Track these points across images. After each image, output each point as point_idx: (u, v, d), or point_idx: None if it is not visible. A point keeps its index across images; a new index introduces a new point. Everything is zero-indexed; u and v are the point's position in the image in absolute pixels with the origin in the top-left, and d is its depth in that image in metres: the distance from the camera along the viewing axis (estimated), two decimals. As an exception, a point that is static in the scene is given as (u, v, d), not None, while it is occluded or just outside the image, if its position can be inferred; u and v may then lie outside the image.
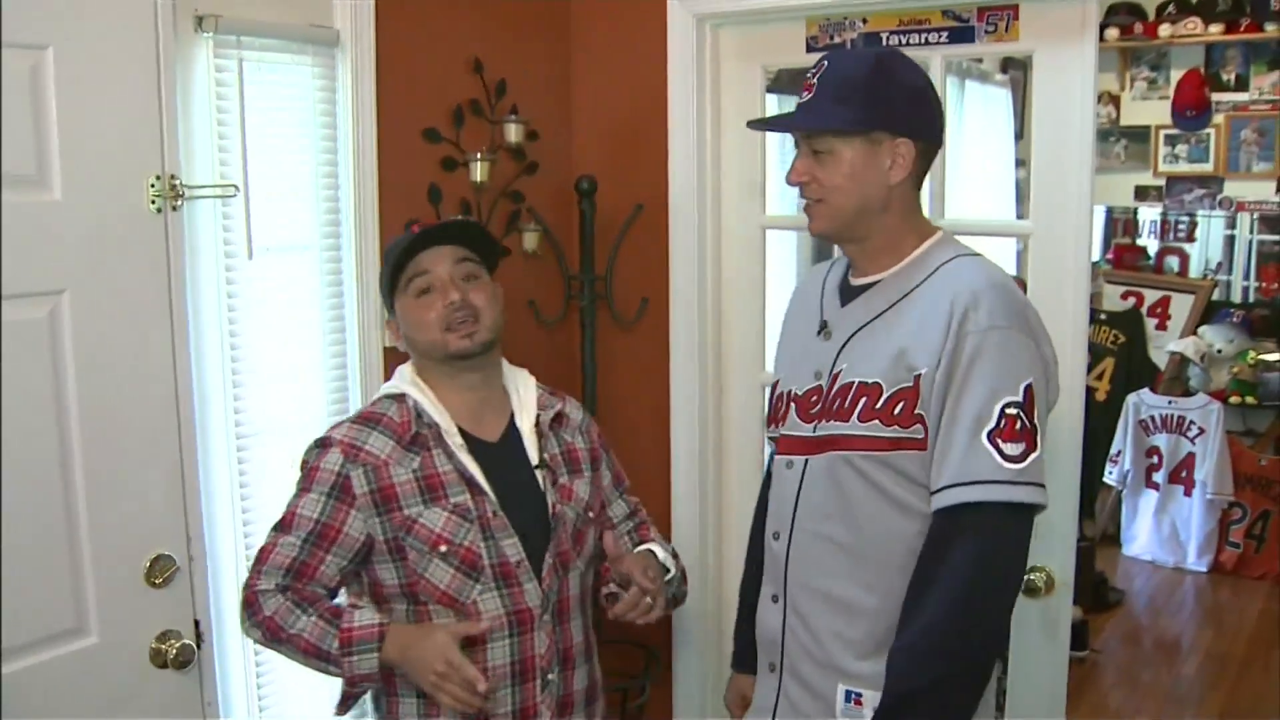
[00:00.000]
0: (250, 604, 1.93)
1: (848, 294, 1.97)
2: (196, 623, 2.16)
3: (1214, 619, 5.09)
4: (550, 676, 2.03)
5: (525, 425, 2.10)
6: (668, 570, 2.13)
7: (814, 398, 1.95)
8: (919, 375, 1.79)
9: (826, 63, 1.89)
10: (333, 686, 2.51)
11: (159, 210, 2.05)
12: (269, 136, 2.32)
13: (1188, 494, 5.41)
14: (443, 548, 1.94)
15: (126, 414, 2.05)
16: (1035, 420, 1.76)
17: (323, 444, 2.00)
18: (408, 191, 2.61)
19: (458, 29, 2.73)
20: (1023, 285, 2.19)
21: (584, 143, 3.06)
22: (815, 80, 1.88)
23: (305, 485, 1.97)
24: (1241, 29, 5.04)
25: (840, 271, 2.03)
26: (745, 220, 2.93)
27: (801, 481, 1.95)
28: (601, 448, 2.23)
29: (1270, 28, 4.99)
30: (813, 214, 1.92)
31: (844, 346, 1.93)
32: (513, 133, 2.82)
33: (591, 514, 2.13)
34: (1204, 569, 5.39)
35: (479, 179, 2.73)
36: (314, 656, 1.91)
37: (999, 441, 1.73)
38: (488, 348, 2.02)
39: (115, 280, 2.01)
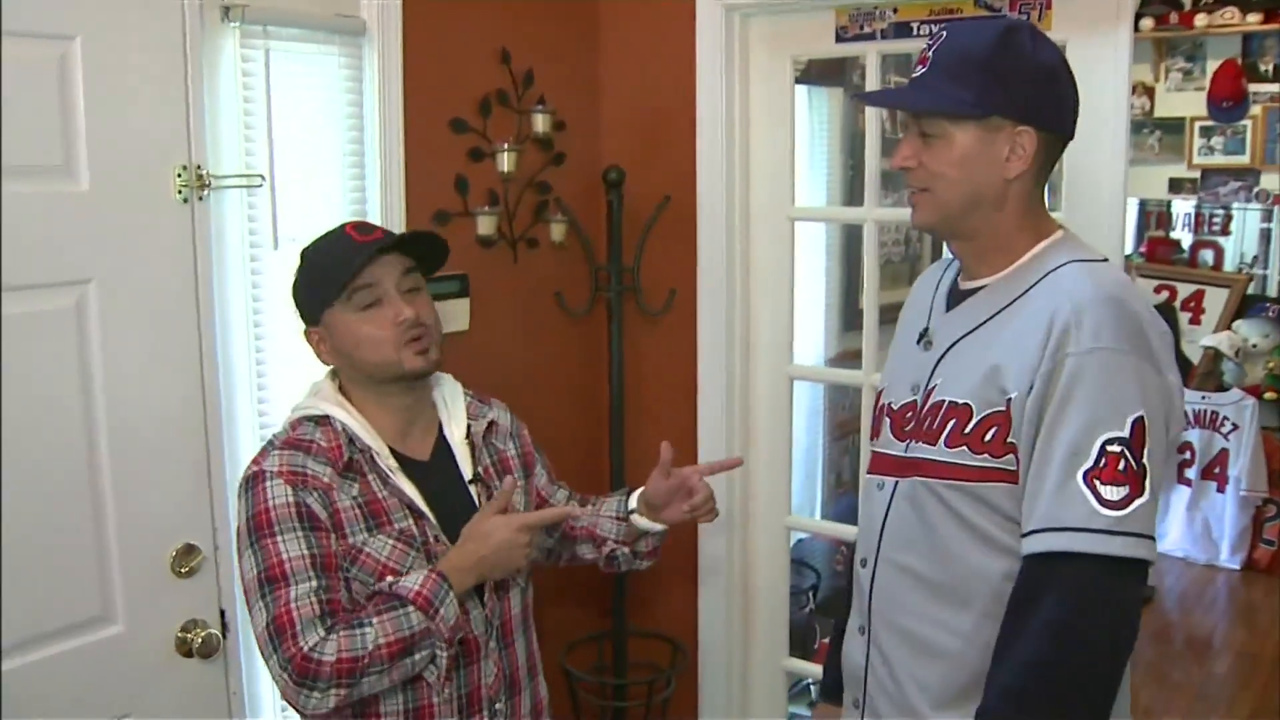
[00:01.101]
0: (307, 670, 1.67)
1: (954, 299, 1.78)
2: (222, 612, 2.17)
3: (1246, 617, 5.04)
4: (498, 706, 1.91)
5: (456, 437, 1.97)
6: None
7: (908, 414, 1.77)
8: (1010, 399, 1.59)
9: (945, 33, 1.67)
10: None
11: (185, 200, 2.05)
12: (295, 126, 2.32)
13: (1221, 490, 5.35)
14: (389, 579, 1.79)
15: (152, 403, 2.05)
16: (1145, 460, 1.51)
17: (256, 480, 1.79)
18: (434, 182, 2.61)
19: (485, 19, 2.72)
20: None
21: (612, 133, 3.05)
22: (931, 53, 1.67)
23: (266, 531, 1.75)
24: (1280, 18, 4.97)
25: (955, 272, 1.82)
26: (773, 211, 2.91)
27: (889, 506, 1.76)
28: (534, 450, 2.11)
29: (1309, 18, 4.92)
30: (916, 204, 1.72)
31: (941, 359, 1.74)
32: (540, 123, 2.81)
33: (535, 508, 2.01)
34: (1236, 566, 5.34)
35: (506, 169, 2.72)
36: (400, 654, 1.72)
37: (1096, 483, 1.50)
38: (438, 366, 1.90)
39: (141, 270, 2.02)
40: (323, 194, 2.40)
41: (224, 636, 2.17)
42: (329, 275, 1.83)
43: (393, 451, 1.88)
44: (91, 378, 1.97)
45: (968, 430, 1.64)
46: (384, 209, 2.47)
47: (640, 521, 2.08)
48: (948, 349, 1.73)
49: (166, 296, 2.06)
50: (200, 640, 2.12)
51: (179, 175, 2.04)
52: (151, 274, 2.03)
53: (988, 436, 1.62)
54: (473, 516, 1.86)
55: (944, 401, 1.68)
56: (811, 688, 3.73)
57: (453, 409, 1.99)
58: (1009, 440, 1.59)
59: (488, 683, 1.89)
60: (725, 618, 3.05)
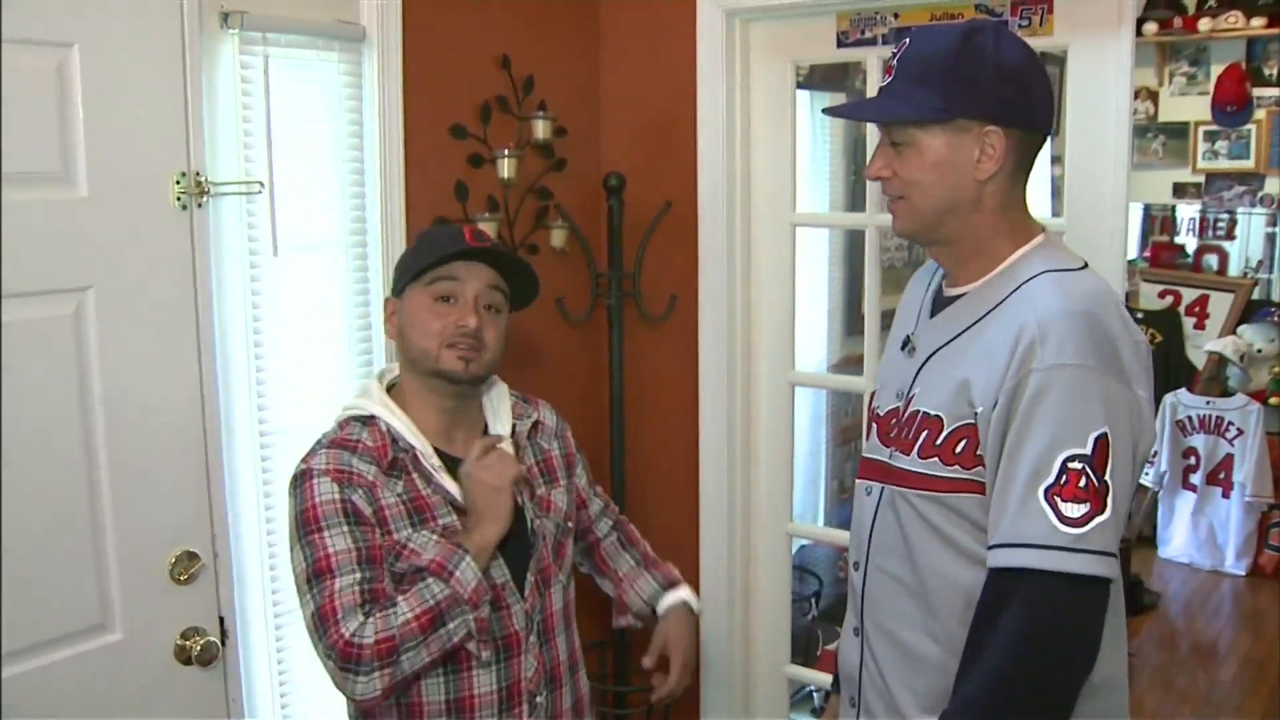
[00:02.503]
0: (349, 654, 1.73)
1: (939, 305, 1.77)
2: (221, 620, 2.17)
3: (1252, 623, 5.01)
4: (538, 699, 1.95)
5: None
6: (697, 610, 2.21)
7: (892, 420, 1.76)
8: (977, 413, 1.59)
9: (909, 40, 1.67)
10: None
11: (184, 207, 2.05)
12: (295, 133, 2.31)
13: (1226, 496, 5.33)
14: (410, 560, 1.83)
15: (151, 411, 2.05)
16: (1107, 477, 1.51)
17: (304, 477, 1.85)
18: (434, 188, 2.60)
19: (485, 25, 2.72)
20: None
21: (612, 139, 3.05)
22: (895, 61, 1.66)
23: (314, 527, 1.81)
24: (1284, 23, 4.96)
25: (941, 276, 1.81)
26: (775, 217, 2.90)
27: (876, 512, 1.77)
28: (575, 450, 2.16)
29: (1313, 22, 4.90)
30: (894, 213, 1.72)
31: (921, 368, 1.73)
32: (540, 129, 2.80)
33: (570, 524, 2.06)
34: (1242, 572, 5.31)
35: (506, 176, 2.72)
36: (431, 625, 1.76)
37: (1057, 500, 1.50)
38: (477, 381, 1.94)
39: (140, 277, 2.01)
40: (322, 200, 2.40)
41: (223, 644, 2.16)
42: (423, 255, 1.91)
43: (437, 450, 1.92)
44: (90, 385, 1.96)
45: (939, 442, 1.64)
46: (384, 215, 2.46)
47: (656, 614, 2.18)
48: (927, 358, 1.73)
49: (165, 303, 2.05)
50: (199, 648, 2.11)
51: (178, 182, 2.03)
52: (150, 281, 2.03)
53: (958, 449, 1.62)
54: (469, 492, 1.90)
55: (919, 412, 1.69)
56: (814, 694, 3.72)
57: (498, 409, 2.04)
58: (978, 453, 1.60)
59: (528, 676, 1.93)
60: (727, 625, 3.04)
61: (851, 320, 4.30)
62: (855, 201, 4.10)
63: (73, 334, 1.94)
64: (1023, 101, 1.64)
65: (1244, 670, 4.53)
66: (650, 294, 2.99)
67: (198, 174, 2.06)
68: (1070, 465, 1.51)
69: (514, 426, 2.03)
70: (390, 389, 1.98)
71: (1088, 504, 1.50)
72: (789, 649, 3.12)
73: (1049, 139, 1.75)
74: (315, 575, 1.79)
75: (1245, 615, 5.11)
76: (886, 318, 2.77)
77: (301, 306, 2.37)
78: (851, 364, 4.12)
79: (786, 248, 2.92)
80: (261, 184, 2.22)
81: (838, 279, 4.32)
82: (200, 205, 2.07)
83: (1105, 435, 1.52)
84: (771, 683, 3.13)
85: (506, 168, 2.71)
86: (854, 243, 4.06)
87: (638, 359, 3.05)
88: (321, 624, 1.76)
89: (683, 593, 2.19)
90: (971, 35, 1.62)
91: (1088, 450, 1.51)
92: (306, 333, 2.39)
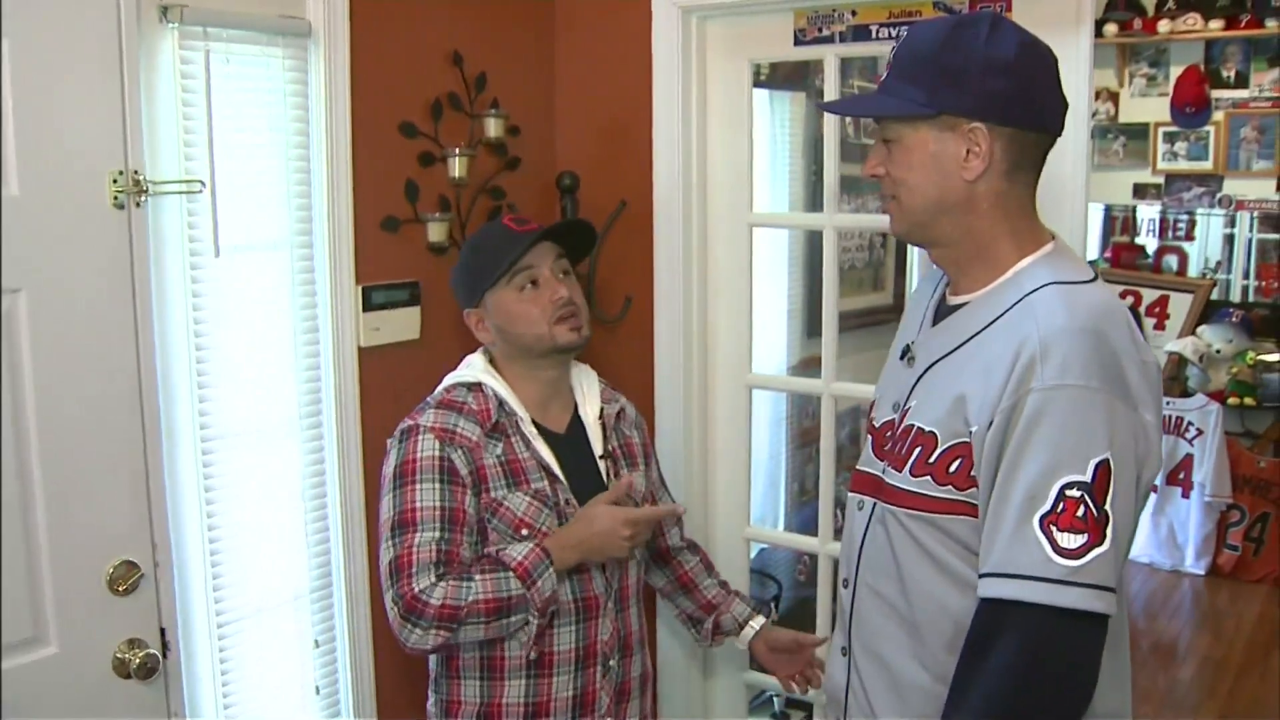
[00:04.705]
0: (414, 608, 1.91)
1: (941, 314, 1.70)
2: (162, 631, 2.10)
3: (1211, 622, 5.04)
4: (611, 663, 2.12)
5: (589, 417, 2.20)
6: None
7: (888, 433, 1.71)
8: (973, 432, 1.52)
9: (905, 34, 1.63)
10: (305, 692, 2.48)
11: (121, 206, 1.99)
12: (237, 131, 2.25)
13: (1185, 496, 5.35)
14: (524, 531, 2.02)
15: (87, 416, 1.98)
16: (1107, 506, 1.43)
17: (410, 433, 2.03)
18: (383, 187, 2.55)
19: (436, 20, 2.67)
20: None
21: (567, 138, 3.00)
22: (891, 56, 1.61)
23: (409, 479, 1.99)
24: (1242, 25, 5.00)
25: (946, 283, 1.73)
26: (732, 217, 2.87)
27: (867, 528, 1.71)
28: (651, 443, 2.35)
29: (1270, 24, 4.94)
30: (889, 212, 1.67)
31: (919, 380, 1.67)
32: (493, 127, 2.75)
33: (647, 505, 2.22)
34: (1201, 572, 5.34)
35: (457, 175, 2.66)
36: (496, 613, 1.93)
37: (1053, 529, 1.42)
38: (588, 341, 2.14)
39: (75, 279, 1.95)
40: (266, 200, 2.34)
41: (164, 656, 2.10)
42: (493, 260, 2.09)
43: (534, 422, 2.11)
44: (22, 389, 1.90)
45: (932, 460, 1.57)
46: (331, 215, 2.41)
47: (740, 636, 2.43)
48: (925, 370, 1.67)
49: (102, 306, 1.99)
50: (139, 661, 2.04)
51: (114, 181, 1.97)
52: (86, 283, 1.96)
53: (952, 468, 1.55)
54: (594, 497, 2.07)
55: (914, 427, 1.63)
56: (774, 700, 3.70)
57: (588, 392, 2.24)
58: (973, 474, 1.53)
59: (604, 639, 2.11)
60: (683, 624, 3.00)
61: (812, 322, 4.28)
62: (814, 202, 4.08)
63: (4, 337, 1.87)
64: (1016, 98, 1.56)
65: (1203, 670, 4.55)
66: (605, 295, 2.95)
67: (135, 173, 2.00)
68: (1068, 493, 1.43)
69: (602, 410, 2.22)
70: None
71: (1085, 535, 1.42)
72: (748, 654, 3.08)
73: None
74: (399, 525, 1.97)
75: (1205, 615, 5.14)
76: (845, 319, 2.76)
77: (245, 308, 2.31)
78: (812, 366, 4.10)
79: (744, 248, 2.88)
80: (203, 183, 2.16)
81: (798, 280, 4.30)
82: (138, 205, 2.01)
83: (1107, 462, 1.44)
84: (730, 688, 3.10)
85: (458, 166, 2.66)
86: (814, 244, 4.03)
87: (593, 361, 2.98)
88: (395, 573, 1.94)
89: (763, 616, 2.43)
90: (961, 27, 1.56)
91: (1087, 477, 1.43)
92: (250, 335, 2.33)
